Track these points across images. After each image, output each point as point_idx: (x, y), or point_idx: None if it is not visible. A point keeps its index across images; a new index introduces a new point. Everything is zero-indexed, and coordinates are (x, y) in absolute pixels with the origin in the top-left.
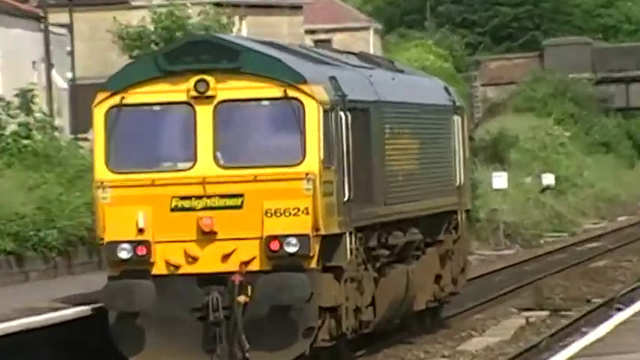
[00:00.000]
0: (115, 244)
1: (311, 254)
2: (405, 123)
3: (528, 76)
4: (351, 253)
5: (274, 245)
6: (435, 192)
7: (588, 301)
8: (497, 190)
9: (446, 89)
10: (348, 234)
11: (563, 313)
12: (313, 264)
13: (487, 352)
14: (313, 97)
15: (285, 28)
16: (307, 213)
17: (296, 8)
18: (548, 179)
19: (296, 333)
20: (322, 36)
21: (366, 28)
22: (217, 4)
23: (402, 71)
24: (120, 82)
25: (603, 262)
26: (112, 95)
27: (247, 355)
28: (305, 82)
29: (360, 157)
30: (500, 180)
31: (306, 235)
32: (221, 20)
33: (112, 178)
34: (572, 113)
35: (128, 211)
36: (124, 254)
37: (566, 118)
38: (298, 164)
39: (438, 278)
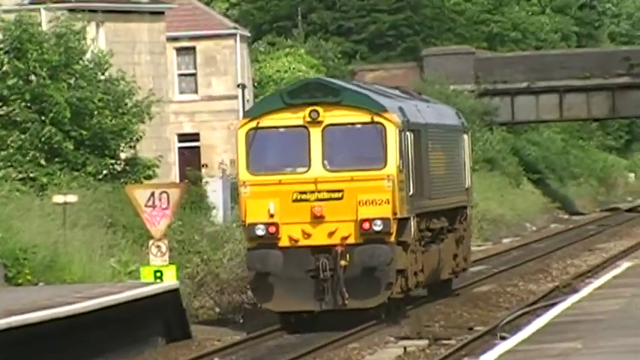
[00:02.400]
0: (253, 225)
1: (391, 231)
2: (438, 140)
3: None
4: (414, 231)
5: (365, 225)
6: (454, 192)
7: (470, 329)
8: None
9: (457, 114)
10: (413, 217)
11: (443, 342)
12: (393, 238)
13: None
14: (392, 122)
15: (145, 35)
16: (388, 203)
17: (157, 14)
18: None
19: (380, 287)
20: (185, 44)
21: (232, 35)
22: (71, 10)
23: (428, 101)
24: (256, 112)
25: (487, 287)
26: (250, 121)
27: (346, 302)
28: (386, 111)
29: (417, 164)
30: None
31: (388, 218)
32: (74, 27)
33: (251, 179)
34: None
35: (262, 202)
36: (259, 232)
37: None
38: (382, 169)
39: (455, 256)
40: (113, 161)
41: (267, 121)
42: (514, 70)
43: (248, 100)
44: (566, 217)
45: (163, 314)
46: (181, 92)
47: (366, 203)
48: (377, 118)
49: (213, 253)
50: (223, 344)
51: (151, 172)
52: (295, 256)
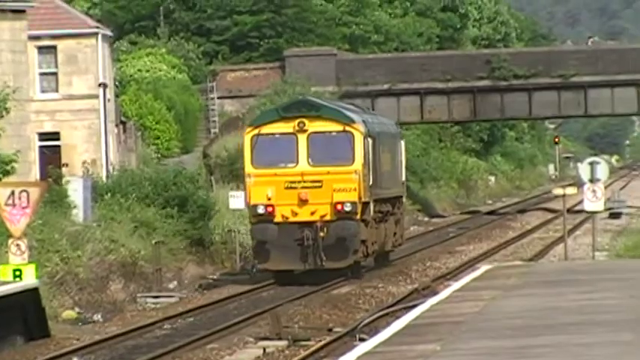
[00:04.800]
0: (256, 206)
1: (357, 212)
2: (386, 145)
3: (269, 89)
4: (372, 212)
5: (338, 207)
6: (396, 184)
7: (330, 330)
8: (233, 210)
9: (395, 124)
10: (372, 202)
11: (302, 343)
12: (358, 217)
13: None
14: (359, 130)
15: (6, 34)
16: (355, 190)
17: (19, 12)
18: None
19: (348, 252)
20: (47, 42)
21: (93, 34)
22: None
23: (375, 115)
24: (258, 122)
25: (346, 288)
26: (254, 129)
27: (324, 263)
28: (354, 122)
29: (374, 162)
30: (237, 200)
31: (355, 202)
32: None
33: (254, 172)
34: None
35: (263, 188)
36: (260, 210)
37: None
38: (351, 165)
39: (394, 234)
40: None
41: (266, 129)
42: (375, 72)
43: (109, 100)
44: (426, 219)
45: (22, 313)
46: (42, 91)
47: (339, 190)
48: (348, 128)
49: (73, 252)
50: (82, 343)
51: (9, 168)
52: (286, 229)
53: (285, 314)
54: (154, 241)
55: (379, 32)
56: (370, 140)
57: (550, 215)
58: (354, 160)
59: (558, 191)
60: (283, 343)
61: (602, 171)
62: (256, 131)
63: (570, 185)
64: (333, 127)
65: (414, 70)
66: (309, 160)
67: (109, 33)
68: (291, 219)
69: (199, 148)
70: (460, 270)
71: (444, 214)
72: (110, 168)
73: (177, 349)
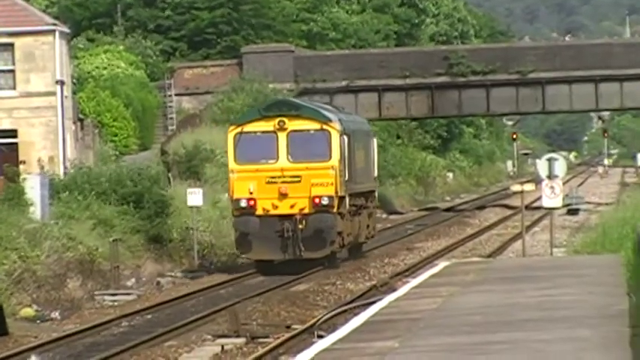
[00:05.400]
0: (238, 199)
1: (334, 205)
2: (360, 142)
3: (226, 86)
4: (347, 206)
5: (316, 200)
6: (369, 180)
7: (288, 327)
8: (191, 207)
9: (367, 123)
10: (347, 196)
11: (261, 340)
12: (335, 210)
13: None
14: (335, 129)
15: None
16: (332, 185)
17: None
18: None
19: (326, 243)
20: (4, 40)
21: (51, 32)
22: None
23: (350, 114)
24: (241, 120)
25: (304, 285)
26: (237, 127)
27: (302, 253)
28: (331, 121)
29: (349, 159)
30: (195, 197)
31: (332, 196)
32: None
33: (237, 167)
34: None
35: (245, 183)
36: (243, 204)
37: None
38: (328, 161)
39: (367, 226)
40: None
41: (248, 128)
42: (333, 69)
43: (67, 97)
44: (384, 216)
45: None
46: (0, 89)
47: (317, 185)
48: (325, 126)
49: (31, 250)
50: (40, 341)
51: None
52: (267, 222)
53: (243, 311)
54: (111, 239)
55: (337, 29)
56: (346, 138)
57: (508, 212)
58: (330, 157)
59: (516, 188)
60: (241, 340)
61: (560, 167)
62: (239, 129)
63: (528, 182)
64: (312, 125)
65: (371, 67)
66: (289, 156)
67: (66, 30)
68: (272, 212)
69: (157, 145)
70: (418, 267)
71: (402, 211)
72: (67, 165)
73: (135, 346)
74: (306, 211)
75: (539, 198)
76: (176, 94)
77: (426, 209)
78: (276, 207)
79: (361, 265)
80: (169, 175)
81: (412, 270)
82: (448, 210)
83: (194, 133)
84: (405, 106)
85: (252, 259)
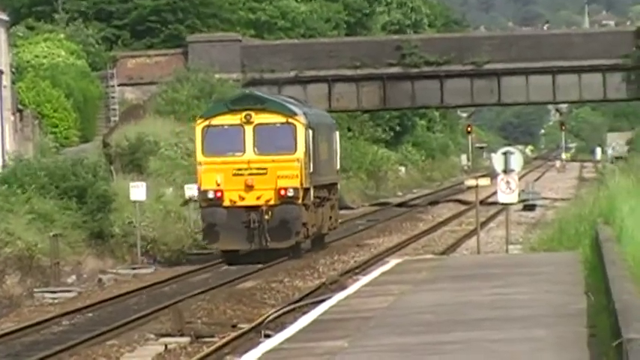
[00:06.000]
0: (206, 191)
1: (299, 197)
2: (323, 135)
3: (171, 76)
4: (312, 198)
5: (282, 192)
6: (331, 172)
7: (234, 326)
8: (134, 201)
9: (330, 117)
10: (312, 188)
11: (206, 339)
12: (300, 201)
13: None
14: (300, 122)
15: None
16: (297, 177)
17: None
18: (192, 190)
19: (291, 234)
20: None
21: None
22: None
23: (312, 107)
24: (208, 114)
25: (251, 283)
26: (205, 120)
27: (268, 244)
28: (297, 114)
29: (314, 152)
30: (138, 191)
31: (297, 188)
32: None
33: (205, 160)
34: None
35: (212, 175)
36: (210, 195)
37: None
38: (293, 154)
39: (330, 218)
40: None
41: (216, 121)
42: (282, 59)
43: (5, 87)
44: None
45: None
46: None
47: (282, 177)
48: (290, 120)
49: None
50: None
51: None
52: (234, 213)
53: (187, 309)
54: (51, 234)
55: (285, 18)
56: (310, 131)
57: (463, 207)
58: (296, 150)
59: (471, 182)
60: (186, 339)
61: (516, 161)
62: (207, 122)
63: (483, 176)
64: (277, 119)
65: (321, 57)
66: (255, 149)
67: (5, 18)
68: (239, 203)
69: (99, 137)
70: (369, 264)
71: (352, 206)
72: (6, 158)
73: (76, 345)
74: (272, 202)
75: (495, 193)
76: (119, 85)
77: (378, 204)
78: (242, 198)
79: (310, 262)
80: (112, 168)
81: (363, 267)
82: (400, 205)
83: (137, 125)
84: (356, 98)
85: (219, 249)
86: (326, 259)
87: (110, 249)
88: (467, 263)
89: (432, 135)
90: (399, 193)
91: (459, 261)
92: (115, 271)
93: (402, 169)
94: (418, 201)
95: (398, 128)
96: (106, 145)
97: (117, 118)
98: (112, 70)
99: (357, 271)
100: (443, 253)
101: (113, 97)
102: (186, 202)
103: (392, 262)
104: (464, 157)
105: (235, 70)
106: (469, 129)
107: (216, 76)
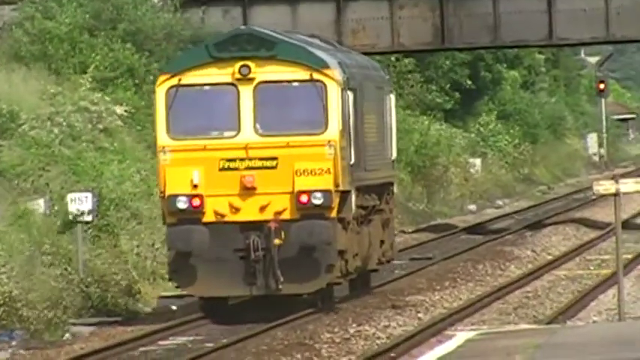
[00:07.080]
0: (174, 197)
1: (332, 206)
2: (371, 101)
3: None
4: (354, 208)
5: (303, 198)
6: (384, 164)
7: None
8: None
9: (382, 68)
10: (354, 191)
11: None
12: (334, 214)
13: None
14: (334, 79)
15: None
16: (330, 173)
17: None
18: (84, 202)
19: (319, 269)
20: None
21: None
22: None
23: (350, 52)
24: (177, 66)
25: None
26: (171, 77)
27: (281, 286)
28: (327, 66)
29: (356, 129)
30: None
31: (330, 191)
32: None
33: (172, 144)
34: None
35: (185, 170)
36: (181, 205)
37: None
38: (322, 133)
39: (381, 243)
40: None
41: (190, 78)
42: None
43: None
44: None
45: None
46: None
47: (303, 173)
48: (317, 75)
49: None
50: None
51: None
52: (222, 233)
53: None
54: None
55: None
56: (351, 94)
57: (591, 233)
58: (327, 126)
59: (605, 187)
60: None
61: None
62: (174, 81)
63: (629, 175)
64: (295, 73)
65: None
66: (258, 126)
67: None
68: (230, 217)
69: None
70: (415, 340)
71: None
72: None
73: None
74: (287, 216)
75: None
76: None
77: (431, 228)
78: (236, 209)
79: (306, 337)
80: None
81: (403, 346)
82: (472, 230)
83: None
84: (390, 29)
85: (195, 295)
86: (335, 333)
87: None
88: (599, 339)
89: (531, 99)
90: (471, 208)
91: (584, 335)
92: None
93: (477, 162)
94: (507, 222)
95: (468, 86)
96: None
97: None
98: None
99: (392, 353)
100: (553, 320)
101: None
102: (72, 223)
103: (459, 336)
104: (592, 138)
105: None
106: (602, 87)
107: None
